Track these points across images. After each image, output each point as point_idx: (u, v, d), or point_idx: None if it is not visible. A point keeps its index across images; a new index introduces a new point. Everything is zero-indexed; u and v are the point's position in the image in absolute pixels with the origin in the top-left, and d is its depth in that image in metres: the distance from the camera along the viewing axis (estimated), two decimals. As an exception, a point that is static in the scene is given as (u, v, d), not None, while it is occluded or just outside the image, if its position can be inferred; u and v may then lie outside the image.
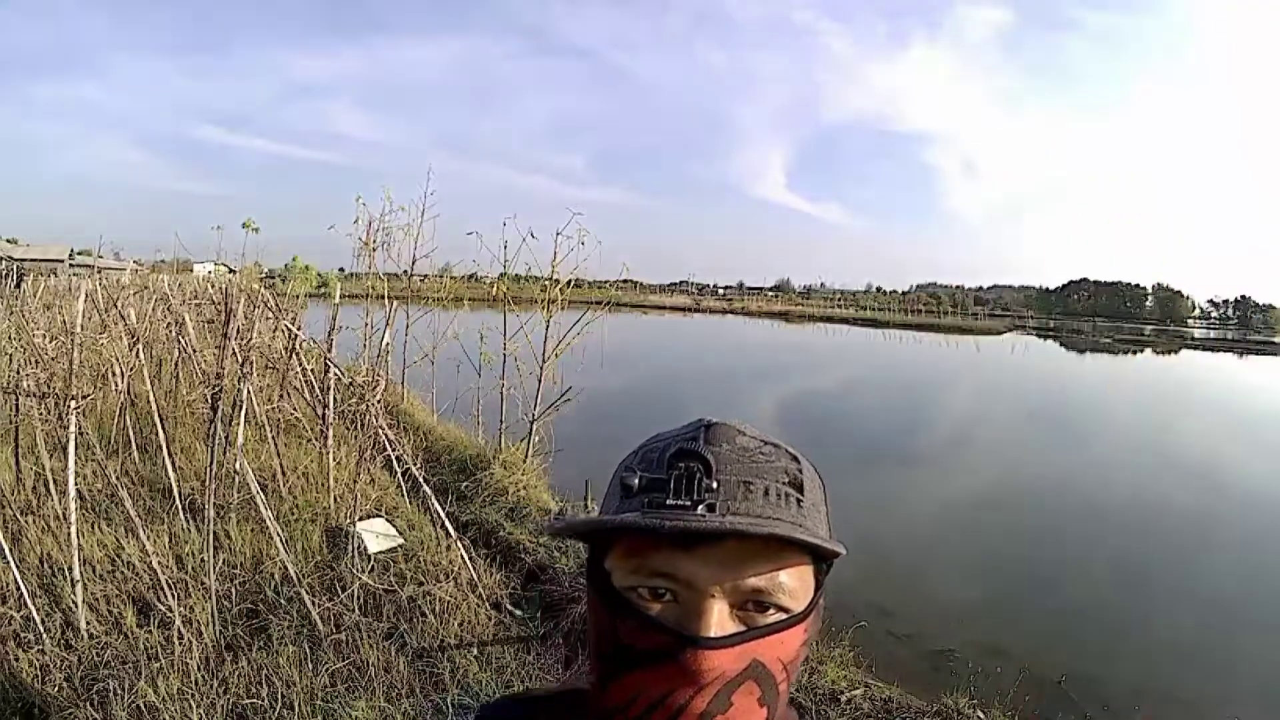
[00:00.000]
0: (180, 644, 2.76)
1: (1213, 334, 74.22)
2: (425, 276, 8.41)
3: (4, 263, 14.72)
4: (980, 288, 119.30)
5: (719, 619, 0.44)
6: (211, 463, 3.12)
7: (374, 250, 7.29)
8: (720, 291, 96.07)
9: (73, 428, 3.09)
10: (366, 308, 7.28)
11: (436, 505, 3.75)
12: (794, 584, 0.46)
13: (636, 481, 0.47)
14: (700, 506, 0.45)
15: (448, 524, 3.72)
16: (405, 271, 7.70)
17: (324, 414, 4.78)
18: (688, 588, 0.45)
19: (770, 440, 0.51)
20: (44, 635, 2.77)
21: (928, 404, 14.67)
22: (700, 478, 0.45)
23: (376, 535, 3.87)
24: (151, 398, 4.53)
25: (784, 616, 0.46)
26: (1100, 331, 55.96)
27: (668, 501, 0.45)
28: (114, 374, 5.25)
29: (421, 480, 3.89)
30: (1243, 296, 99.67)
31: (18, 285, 9.75)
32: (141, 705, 2.45)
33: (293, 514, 4.07)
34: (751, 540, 0.44)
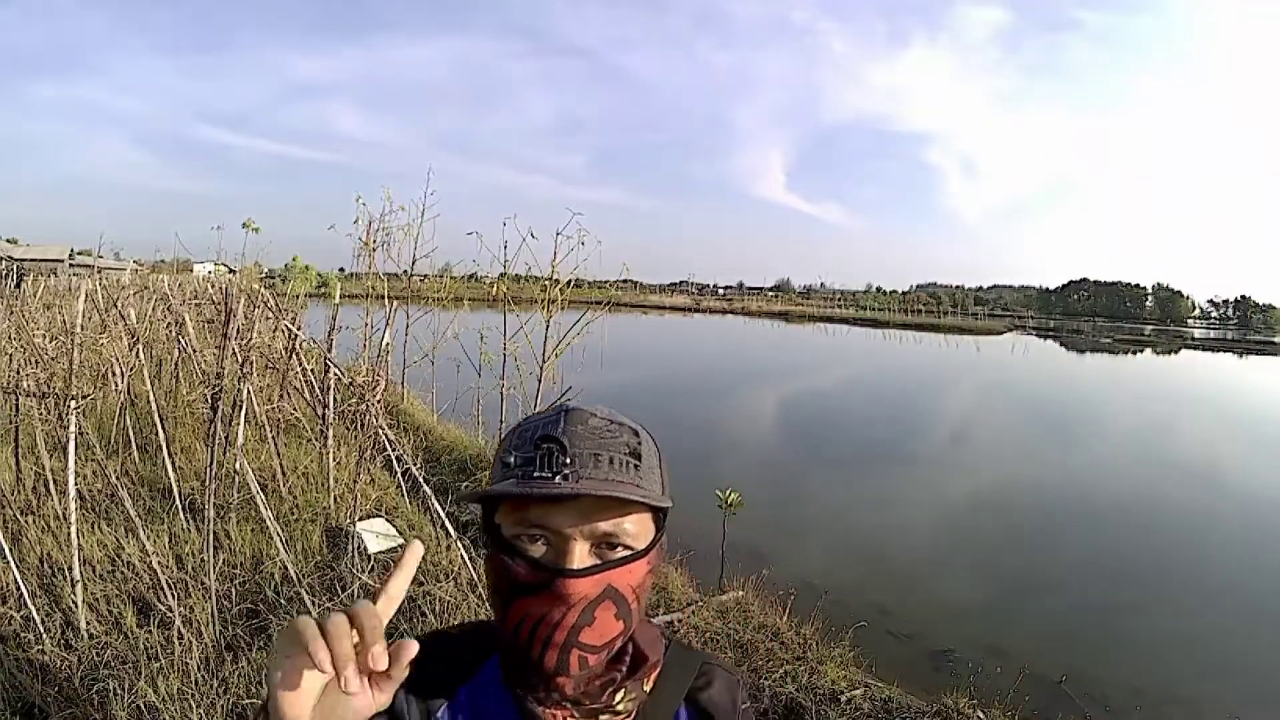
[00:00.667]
0: (180, 644, 2.75)
1: (1213, 334, 74.05)
2: (425, 276, 8.40)
3: (4, 263, 14.72)
4: (980, 288, 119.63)
5: (580, 555, 0.60)
6: (211, 463, 3.11)
7: (374, 250, 7.27)
8: (720, 291, 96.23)
9: (73, 428, 3.09)
10: (366, 308, 7.27)
11: (436, 505, 3.74)
12: (635, 529, 0.62)
13: (513, 460, 0.61)
14: (558, 476, 0.59)
15: (448, 524, 3.71)
16: (405, 271, 7.70)
17: (324, 414, 4.77)
18: (556, 534, 0.60)
19: (617, 420, 0.65)
20: (44, 635, 2.76)
21: (928, 404, 14.66)
22: (558, 455, 0.60)
23: (376, 535, 3.87)
24: (151, 398, 4.52)
25: (629, 553, 0.62)
26: (1100, 331, 55.88)
27: (535, 474, 0.59)
28: (114, 374, 5.25)
29: (421, 480, 3.88)
30: (1243, 296, 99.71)
31: (18, 285, 9.75)
32: (141, 705, 2.45)
33: (293, 514, 4.07)
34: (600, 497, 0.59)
